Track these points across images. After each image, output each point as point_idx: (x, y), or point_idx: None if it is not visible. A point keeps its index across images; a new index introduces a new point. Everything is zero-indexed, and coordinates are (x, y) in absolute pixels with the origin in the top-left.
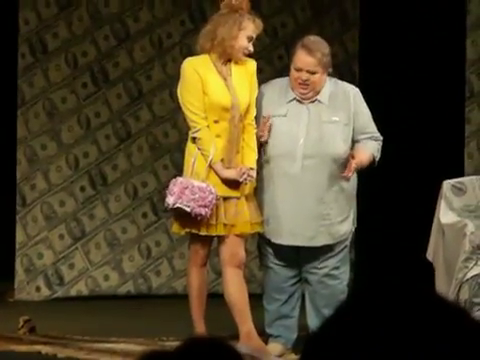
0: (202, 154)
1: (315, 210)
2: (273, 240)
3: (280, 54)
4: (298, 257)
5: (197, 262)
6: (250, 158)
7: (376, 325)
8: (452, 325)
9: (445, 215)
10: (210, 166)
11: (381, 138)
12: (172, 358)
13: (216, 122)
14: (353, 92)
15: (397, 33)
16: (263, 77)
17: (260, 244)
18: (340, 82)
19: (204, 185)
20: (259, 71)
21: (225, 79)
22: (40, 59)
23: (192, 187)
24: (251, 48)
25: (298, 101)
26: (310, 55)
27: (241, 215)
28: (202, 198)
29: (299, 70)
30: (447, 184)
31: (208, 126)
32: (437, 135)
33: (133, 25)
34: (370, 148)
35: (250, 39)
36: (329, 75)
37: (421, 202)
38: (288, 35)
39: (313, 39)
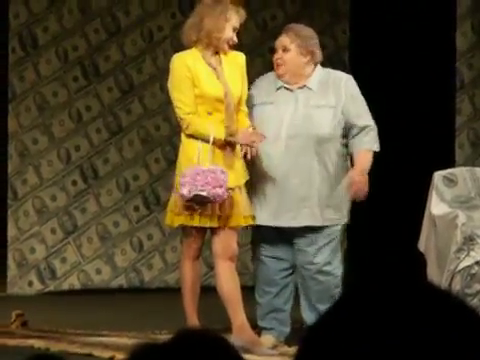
0: (204, 141)
1: (297, 190)
2: (258, 222)
3: (270, 46)
4: (290, 250)
5: (190, 255)
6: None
7: (373, 319)
8: (450, 315)
9: (436, 206)
10: (215, 144)
11: (375, 127)
12: (164, 351)
13: (210, 114)
14: (345, 78)
15: (387, 24)
16: (253, 70)
17: (253, 236)
18: (332, 71)
19: (214, 167)
20: (249, 64)
21: (215, 69)
22: (31, 53)
23: (203, 172)
24: (235, 39)
25: (287, 89)
26: (284, 33)
27: (235, 207)
28: (215, 179)
29: (275, 51)
30: (438, 175)
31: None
32: (428, 126)
33: (123, 18)
34: (367, 144)
35: (235, 30)
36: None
37: (412, 193)
38: (278, 28)
39: (293, 24)
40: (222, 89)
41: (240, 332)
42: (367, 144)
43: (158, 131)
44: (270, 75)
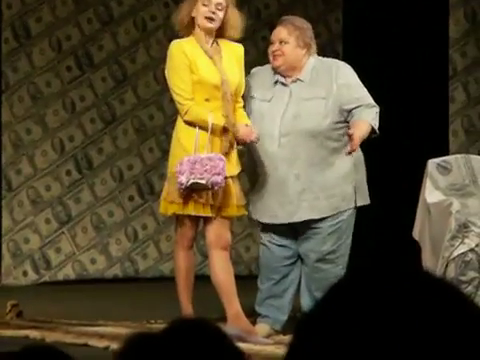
0: (201, 128)
1: (293, 186)
2: (259, 220)
3: (264, 35)
4: (295, 238)
5: (184, 244)
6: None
7: (368, 306)
8: (445, 302)
9: (431, 194)
10: (213, 133)
11: (376, 105)
12: (158, 340)
13: (207, 100)
14: (336, 66)
15: (380, 13)
16: (247, 59)
17: (258, 222)
18: (325, 59)
19: (212, 154)
20: (245, 52)
21: (212, 58)
22: (24, 44)
23: (201, 160)
24: (213, 12)
25: (282, 84)
26: (280, 25)
27: (229, 197)
28: (214, 167)
29: (272, 43)
30: (432, 163)
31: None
32: (421, 114)
33: (117, 8)
34: (365, 117)
35: (212, 4)
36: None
37: (407, 181)
38: (272, 16)
39: (289, 16)
40: (219, 76)
41: (235, 321)
42: (364, 116)
43: (152, 121)
44: (267, 68)
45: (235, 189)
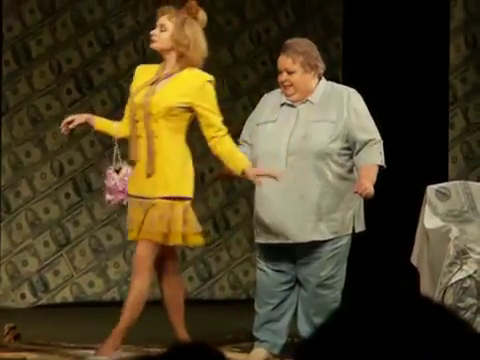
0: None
1: (299, 207)
2: (260, 241)
3: (263, 60)
4: (293, 263)
5: (161, 270)
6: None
7: (368, 332)
8: (445, 329)
9: (429, 220)
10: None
11: (380, 140)
12: None
13: (137, 122)
14: (347, 92)
15: (380, 39)
16: (247, 83)
17: (256, 247)
18: (336, 85)
19: (109, 171)
20: (243, 77)
21: (155, 81)
22: (24, 66)
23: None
24: (154, 34)
25: (289, 105)
26: (284, 54)
27: (156, 222)
28: (109, 184)
29: (280, 72)
30: (431, 189)
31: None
32: (421, 140)
33: (117, 31)
34: (373, 160)
35: (157, 26)
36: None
37: (405, 207)
38: (272, 41)
39: (292, 40)
40: (142, 98)
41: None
42: (370, 158)
43: None
44: (276, 92)
45: (172, 214)
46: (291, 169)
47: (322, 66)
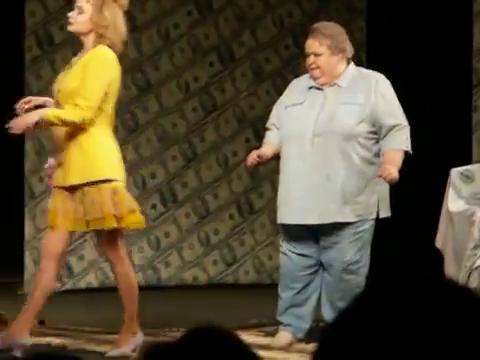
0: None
1: (324, 187)
2: (283, 221)
3: (287, 44)
4: (316, 247)
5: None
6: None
7: (393, 316)
8: (471, 312)
9: (454, 203)
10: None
11: (407, 125)
12: (175, 349)
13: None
14: (375, 77)
15: (404, 22)
16: (270, 67)
17: (280, 230)
18: (364, 70)
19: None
20: (266, 61)
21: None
22: (47, 51)
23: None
24: (71, 17)
25: (317, 88)
26: (312, 37)
27: (75, 209)
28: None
29: (307, 55)
30: (455, 172)
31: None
32: (445, 123)
33: (140, 16)
34: (398, 145)
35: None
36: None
37: (430, 190)
38: (295, 25)
39: (320, 23)
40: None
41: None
42: (396, 143)
43: (175, 129)
44: (304, 77)
45: (100, 198)
46: (317, 150)
47: (350, 50)
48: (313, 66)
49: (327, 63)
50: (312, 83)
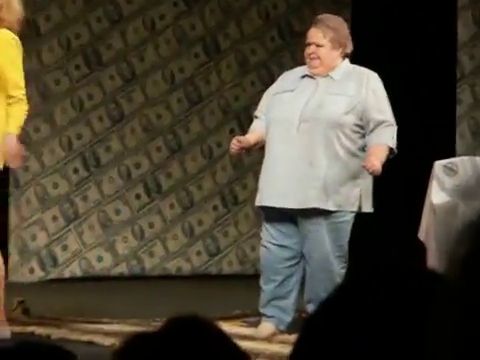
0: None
1: (306, 173)
2: (264, 203)
3: (272, 36)
4: (298, 238)
5: None
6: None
7: (375, 306)
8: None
9: (437, 195)
10: None
11: (394, 124)
12: (155, 339)
13: None
14: (368, 74)
15: (388, 14)
16: (255, 59)
17: (262, 223)
18: (358, 67)
19: None
20: (252, 52)
21: None
22: (33, 42)
23: None
24: None
25: (310, 77)
26: (315, 27)
27: None
28: None
29: (308, 44)
30: (439, 165)
31: None
32: (429, 116)
33: (126, 7)
34: (384, 139)
35: None
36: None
37: (413, 183)
38: (280, 17)
39: (324, 15)
40: None
41: None
42: (382, 138)
43: (160, 120)
44: (297, 70)
45: None
46: (303, 136)
47: (350, 46)
48: (313, 56)
49: (327, 55)
50: (306, 72)
